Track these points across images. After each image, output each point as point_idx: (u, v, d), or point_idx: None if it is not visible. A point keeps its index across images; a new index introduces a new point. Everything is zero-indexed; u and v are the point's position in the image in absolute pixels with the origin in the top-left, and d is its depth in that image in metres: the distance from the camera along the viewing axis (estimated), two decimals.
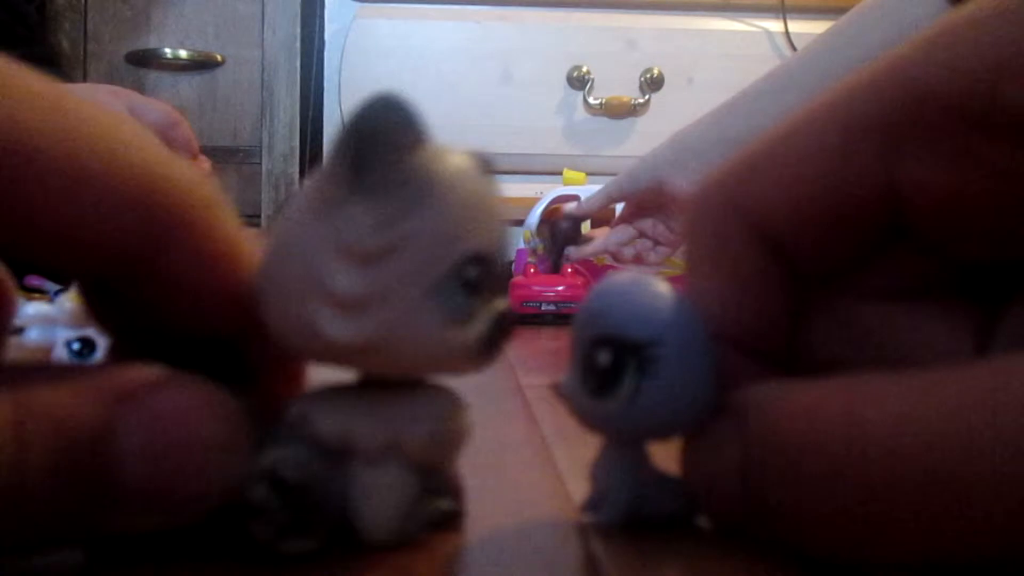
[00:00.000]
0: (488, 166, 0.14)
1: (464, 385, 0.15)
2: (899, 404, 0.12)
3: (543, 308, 0.64)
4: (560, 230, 0.73)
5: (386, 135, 0.13)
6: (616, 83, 1.10)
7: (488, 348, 0.14)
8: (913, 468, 0.11)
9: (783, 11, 1.08)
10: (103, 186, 0.12)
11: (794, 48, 1.07)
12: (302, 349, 0.14)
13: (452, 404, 0.15)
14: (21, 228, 0.12)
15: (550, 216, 0.78)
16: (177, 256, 0.13)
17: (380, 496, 0.14)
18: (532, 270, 0.69)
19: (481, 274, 0.13)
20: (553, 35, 1.10)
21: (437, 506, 0.15)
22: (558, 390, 0.16)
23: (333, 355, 0.13)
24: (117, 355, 0.16)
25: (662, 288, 0.15)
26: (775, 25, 1.10)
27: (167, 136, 0.67)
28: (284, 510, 0.13)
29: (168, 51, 1.14)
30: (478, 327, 0.13)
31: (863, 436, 0.12)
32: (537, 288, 0.65)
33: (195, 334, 0.14)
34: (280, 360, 0.16)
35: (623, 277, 0.15)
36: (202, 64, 1.15)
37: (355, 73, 1.09)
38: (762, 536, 0.14)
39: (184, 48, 1.15)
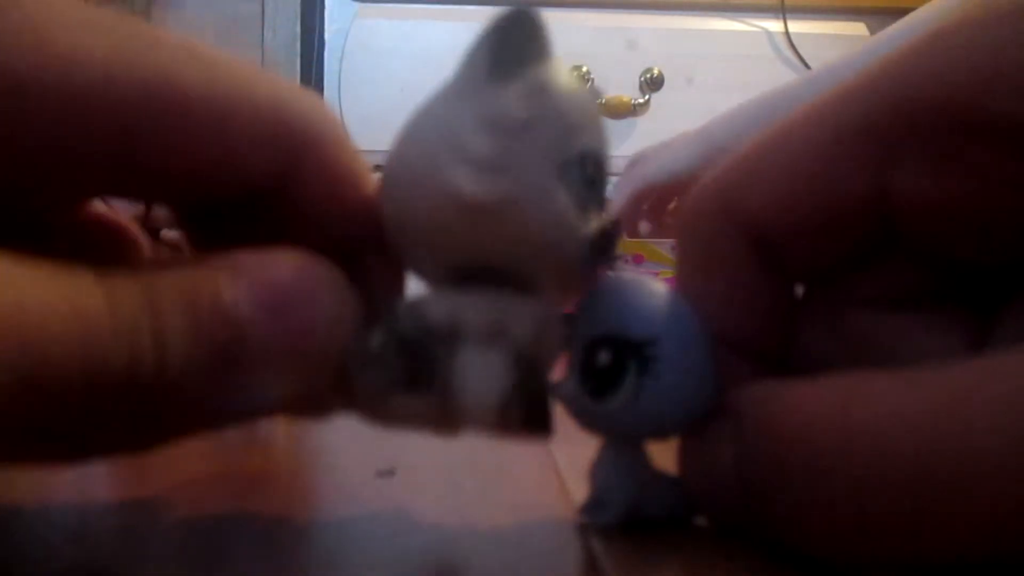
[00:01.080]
0: (594, 88, 0.15)
1: None
2: (889, 401, 0.12)
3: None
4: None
5: (525, 29, 0.14)
6: (616, 83, 1.10)
7: (596, 256, 0.14)
8: (901, 465, 0.11)
9: (783, 11, 1.08)
10: (243, 120, 0.13)
11: (794, 48, 1.07)
12: (430, 217, 0.14)
13: (553, 311, 0.15)
14: (177, 165, 0.13)
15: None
16: (309, 178, 0.14)
17: (485, 375, 0.14)
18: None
19: (597, 174, 0.14)
20: (553, 35, 1.10)
21: (531, 404, 0.15)
22: (557, 391, 0.16)
23: (462, 218, 0.14)
24: None
25: (660, 288, 0.15)
26: (775, 25, 1.10)
27: None
28: (399, 360, 0.14)
29: None
30: (592, 226, 0.14)
31: (854, 433, 0.12)
32: None
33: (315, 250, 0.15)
34: (389, 276, 0.17)
35: (621, 278, 0.15)
36: None
37: (355, 73, 1.09)
38: (759, 535, 0.14)
39: None
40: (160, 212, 0.43)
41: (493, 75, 0.14)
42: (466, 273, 0.14)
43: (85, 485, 0.19)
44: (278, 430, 0.26)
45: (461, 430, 0.15)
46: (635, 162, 0.70)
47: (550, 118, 0.14)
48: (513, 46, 0.14)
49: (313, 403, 0.15)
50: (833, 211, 0.14)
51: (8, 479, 0.18)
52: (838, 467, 0.12)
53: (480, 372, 0.14)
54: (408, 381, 0.14)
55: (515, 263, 0.15)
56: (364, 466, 0.20)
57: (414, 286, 0.16)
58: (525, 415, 0.15)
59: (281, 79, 0.15)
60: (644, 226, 0.70)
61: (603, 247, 0.14)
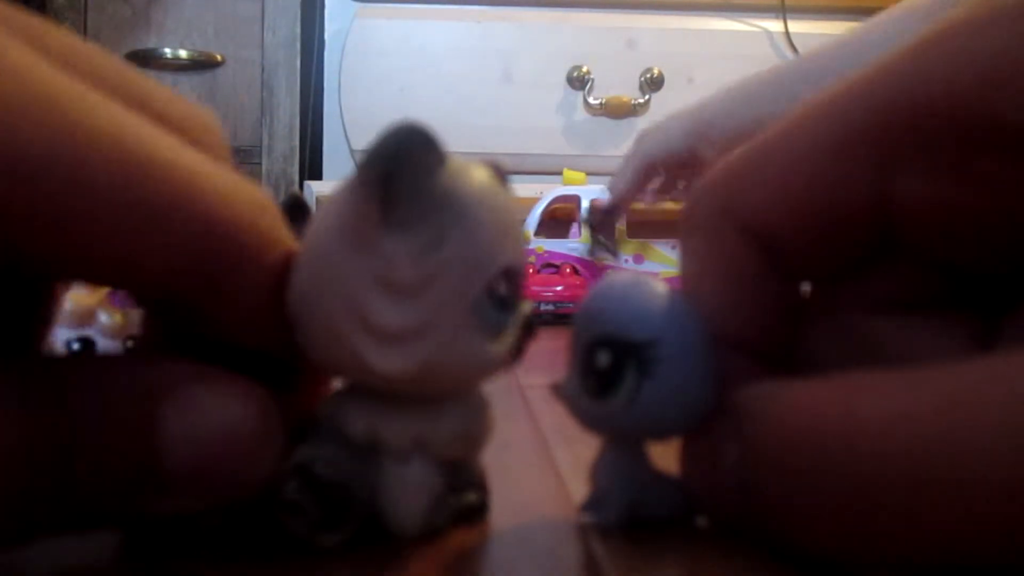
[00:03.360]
0: (503, 174, 0.14)
1: None
2: (894, 400, 0.12)
3: (542, 308, 0.64)
4: (597, 222, 0.73)
5: (411, 167, 0.13)
6: (616, 83, 1.10)
7: (519, 353, 0.14)
8: (903, 463, 0.11)
9: (783, 11, 1.08)
10: (170, 226, 0.12)
11: (794, 48, 1.07)
12: (349, 376, 0.14)
13: (475, 401, 0.15)
14: (83, 259, 0.12)
15: (594, 213, 0.76)
16: (240, 282, 0.13)
17: (407, 491, 0.14)
18: (530, 270, 0.69)
19: (511, 286, 0.14)
20: (553, 35, 1.10)
21: (463, 499, 0.16)
22: (557, 391, 0.16)
23: (381, 383, 0.14)
24: (154, 343, 0.17)
25: (661, 288, 0.15)
26: (775, 25, 1.10)
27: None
28: (316, 506, 0.14)
29: (168, 51, 1.14)
30: (511, 337, 0.14)
31: (856, 431, 0.12)
32: (536, 288, 0.65)
33: (243, 345, 0.14)
34: (316, 371, 0.16)
35: (622, 278, 0.15)
36: (202, 64, 1.15)
37: (355, 73, 1.09)
38: (759, 535, 0.14)
39: (184, 48, 1.15)
40: None
41: (384, 225, 0.13)
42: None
43: None
44: None
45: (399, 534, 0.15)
46: (640, 138, 0.72)
47: (455, 259, 0.13)
48: (402, 180, 0.13)
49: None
50: (834, 215, 0.14)
51: None
52: (842, 465, 0.12)
53: (404, 487, 0.14)
54: (327, 523, 0.14)
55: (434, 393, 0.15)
56: None
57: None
58: (460, 514, 0.15)
59: (221, 171, 0.13)
60: (649, 196, 0.73)
61: (525, 342, 0.14)
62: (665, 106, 1.09)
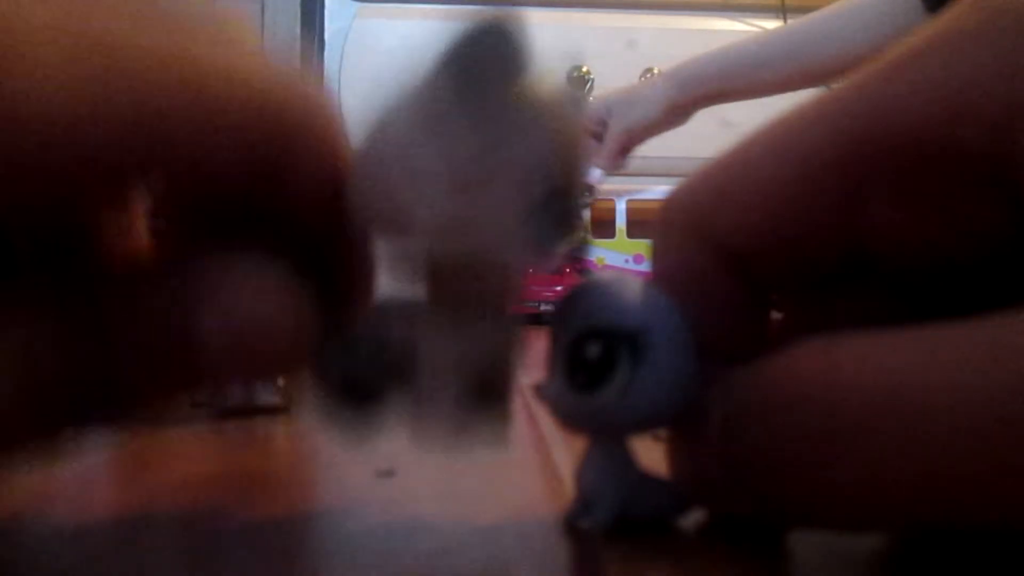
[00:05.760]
0: (576, 98, 0.14)
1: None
2: (875, 355, 0.12)
3: (542, 308, 0.64)
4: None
5: (495, 64, 0.13)
6: (616, 83, 1.10)
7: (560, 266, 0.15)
8: (883, 413, 0.11)
9: (783, 11, 1.08)
10: (228, 120, 0.12)
11: None
12: (406, 265, 0.14)
13: (513, 328, 0.15)
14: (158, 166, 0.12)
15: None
16: (297, 173, 0.14)
17: (439, 408, 0.15)
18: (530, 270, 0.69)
19: (567, 207, 0.14)
20: (553, 35, 1.10)
21: (487, 424, 0.15)
22: (539, 392, 0.16)
23: (432, 275, 0.14)
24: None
25: (638, 283, 0.15)
26: (775, 25, 1.10)
27: None
28: (347, 404, 0.15)
29: None
30: (560, 254, 0.14)
31: (837, 382, 0.12)
32: (536, 288, 0.65)
33: (298, 239, 0.15)
34: (355, 267, 0.16)
35: (603, 275, 0.15)
36: None
37: (355, 73, 1.09)
38: (745, 511, 0.14)
39: None
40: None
41: (458, 111, 0.13)
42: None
43: (84, 485, 0.19)
44: (278, 430, 0.26)
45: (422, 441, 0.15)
46: (609, 110, 0.77)
47: (517, 163, 0.13)
48: (482, 73, 0.13)
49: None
50: (803, 239, 0.14)
51: (7, 481, 0.18)
52: (821, 416, 0.12)
53: (436, 404, 0.15)
54: (358, 423, 0.15)
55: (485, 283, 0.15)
56: (364, 466, 0.20)
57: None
58: (485, 436, 0.15)
59: (268, 59, 0.13)
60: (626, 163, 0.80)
61: (574, 262, 0.15)
62: None
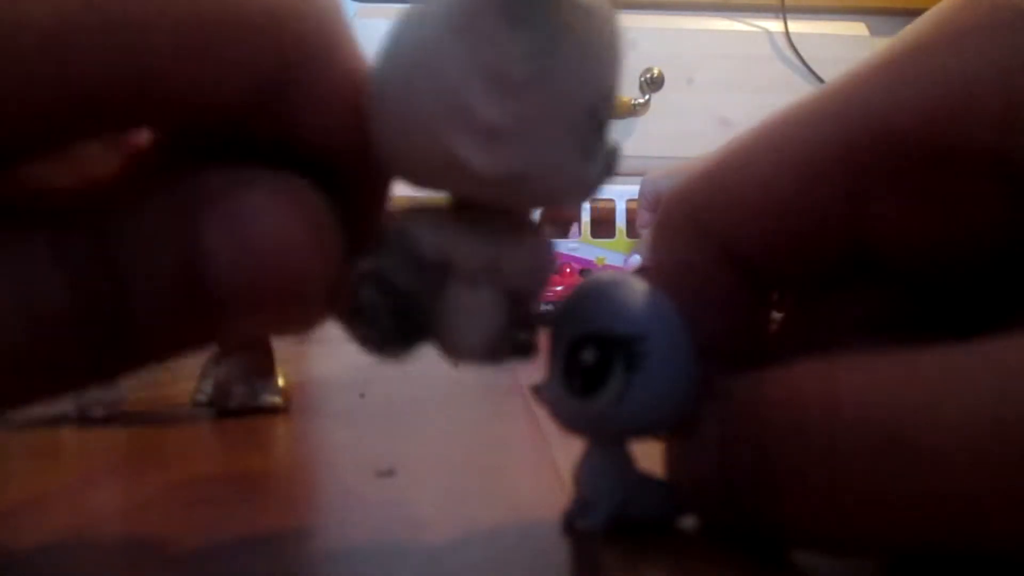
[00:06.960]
0: (615, 8, 0.14)
1: (464, 384, 0.15)
2: (874, 372, 0.12)
3: (542, 308, 0.64)
4: None
5: None
6: None
7: (600, 183, 0.14)
8: (882, 432, 0.11)
9: (783, 11, 1.08)
10: (230, 36, 0.11)
11: (794, 48, 1.07)
12: (432, 180, 0.13)
13: (544, 236, 0.15)
14: (152, 88, 0.11)
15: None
16: (298, 93, 0.13)
17: (473, 316, 0.14)
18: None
19: (607, 113, 0.13)
20: None
21: (517, 336, 0.15)
22: (538, 393, 0.16)
23: (469, 187, 0.13)
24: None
25: (641, 285, 0.15)
26: (775, 25, 1.10)
27: None
28: (390, 314, 0.14)
29: None
30: (600, 164, 0.14)
31: (837, 400, 0.12)
32: None
33: (309, 153, 0.14)
34: (370, 185, 0.15)
35: (602, 277, 0.15)
36: None
37: None
38: (743, 524, 0.14)
39: None
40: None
41: (504, 17, 0.12)
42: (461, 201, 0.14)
43: (83, 485, 0.19)
44: (278, 430, 0.26)
45: (455, 363, 0.15)
46: (652, 184, 0.73)
47: (564, 68, 0.12)
48: None
49: (295, 326, 0.14)
50: (807, 238, 0.14)
51: (3, 479, 0.18)
52: (821, 434, 0.12)
53: (471, 312, 0.14)
54: (399, 333, 0.14)
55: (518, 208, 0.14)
56: (364, 466, 0.20)
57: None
58: (513, 350, 0.15)
59: None
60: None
61: (608, 173, 0.14)
62: (665, 106, 1.09)
